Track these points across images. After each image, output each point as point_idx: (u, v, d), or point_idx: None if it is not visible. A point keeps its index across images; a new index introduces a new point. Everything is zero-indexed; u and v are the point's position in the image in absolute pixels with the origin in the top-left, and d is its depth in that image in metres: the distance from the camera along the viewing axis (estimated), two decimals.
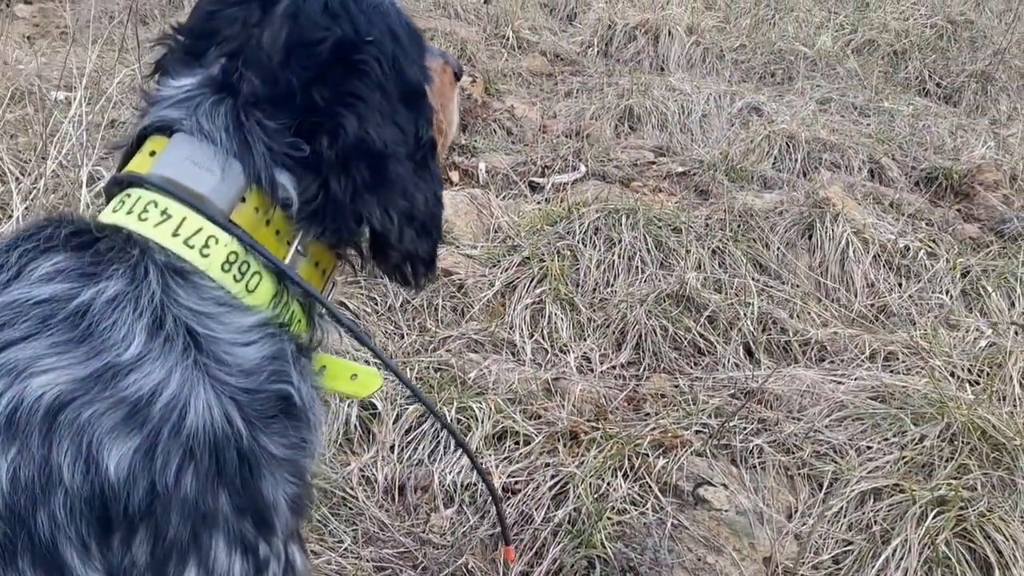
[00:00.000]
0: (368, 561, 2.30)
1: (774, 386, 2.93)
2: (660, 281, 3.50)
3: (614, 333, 3.27)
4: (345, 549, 2.31)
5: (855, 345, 3.27)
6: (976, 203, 4.57)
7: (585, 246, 3.61)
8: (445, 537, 2.39)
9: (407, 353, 3.01)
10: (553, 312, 3.29)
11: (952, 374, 3.07)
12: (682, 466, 2.54)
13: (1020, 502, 2.44)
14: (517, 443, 2.64)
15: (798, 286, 3.64)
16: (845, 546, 2.39)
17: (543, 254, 3.54)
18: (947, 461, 2.56)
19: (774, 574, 2.32)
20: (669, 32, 6.56)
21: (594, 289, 3.49)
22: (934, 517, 2.35)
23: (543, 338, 3.22)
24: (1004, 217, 4.37)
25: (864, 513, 2.45)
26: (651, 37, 6.57)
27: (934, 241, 3.97)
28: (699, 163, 4.68)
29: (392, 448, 2.61)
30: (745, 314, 3.32)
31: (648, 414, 2.85)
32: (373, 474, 2.54)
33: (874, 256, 3.79)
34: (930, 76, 6.61)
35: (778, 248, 3.79)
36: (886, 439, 2.68)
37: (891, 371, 3.10)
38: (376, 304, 3.23)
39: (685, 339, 3.26)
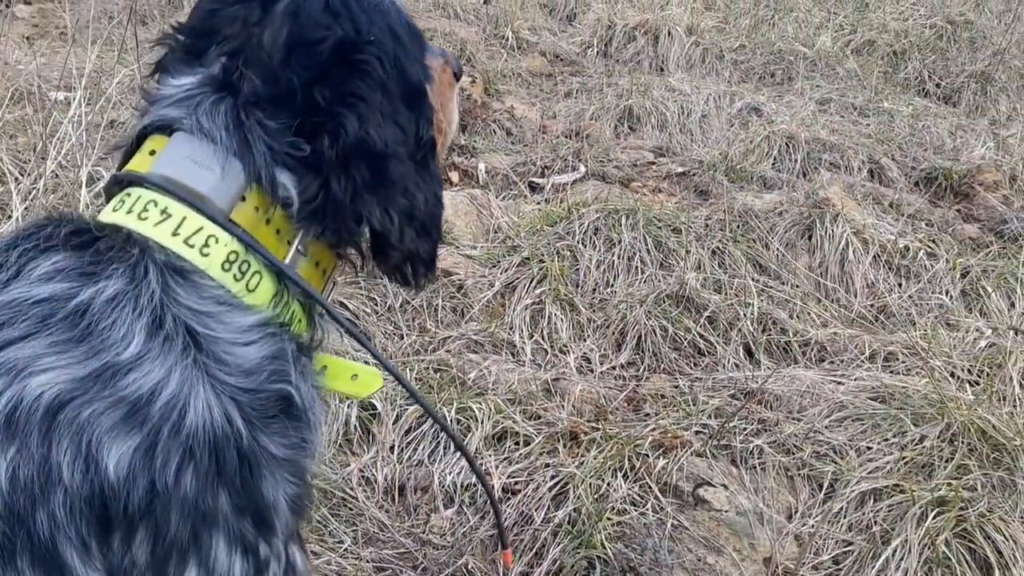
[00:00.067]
0: (368, 562, 2.29)
1: (774, 386, 2.93)
2: (660, 281, 3.50)
3: (614, 333, 3.27)
4: (345, 550, 2.31)
5: (855, 345, 3.26)
6: (976, 203, 4.57)
7: (585, 246, 3.61)
8: (445, 538, 2.39)
9: (407, 354, 3.01)
10: (553, 312, 3.29)
11: (952, 374, 3.06)
12: (682, 467, 2.54)
13: (1020, 502, 2.43)
14: (517, 444, 2.64)
15: (798, 286, 3.64)
16: (845, 546, 2.39)
17: (543, 254, 3.54)
18: (947, 461, 2.56)
19: (774, 574, 2.31)
20: (669, 32, 6.56)
21: (594, 289, 3.49)
22: (934, 517, 2.35)
23: (543, 338, 3.21)
24: (1004, 217, 4.37)
25: (864, 513, 2.45)
26: (651, 37, 6.57)
27: (934, 241, 3.97)
28: (699, 163, 4.68)
29: (392, 449, 2.61)
30: (745, 314, 3.32)
31: (648, 415, 2.85)
32: (373, 475, 2.54)
33: (874, 256, 3.79)
34: (930, 76, 6.61)
35: (778, 248, 3.79)
36: (886, 439, 2.68)
37: (891, 371, 3.10)
38: (376, 304, 3.23)
39: (685, 339, 3.26)
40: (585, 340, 3.24)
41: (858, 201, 4.22)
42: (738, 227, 3.88)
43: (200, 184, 1.07)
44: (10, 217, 2.95)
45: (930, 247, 3.91)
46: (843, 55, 6.75)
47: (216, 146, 1.09)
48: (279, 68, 1.12)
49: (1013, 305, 3.62)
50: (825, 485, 2.55)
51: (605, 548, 2.28)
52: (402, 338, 3.12)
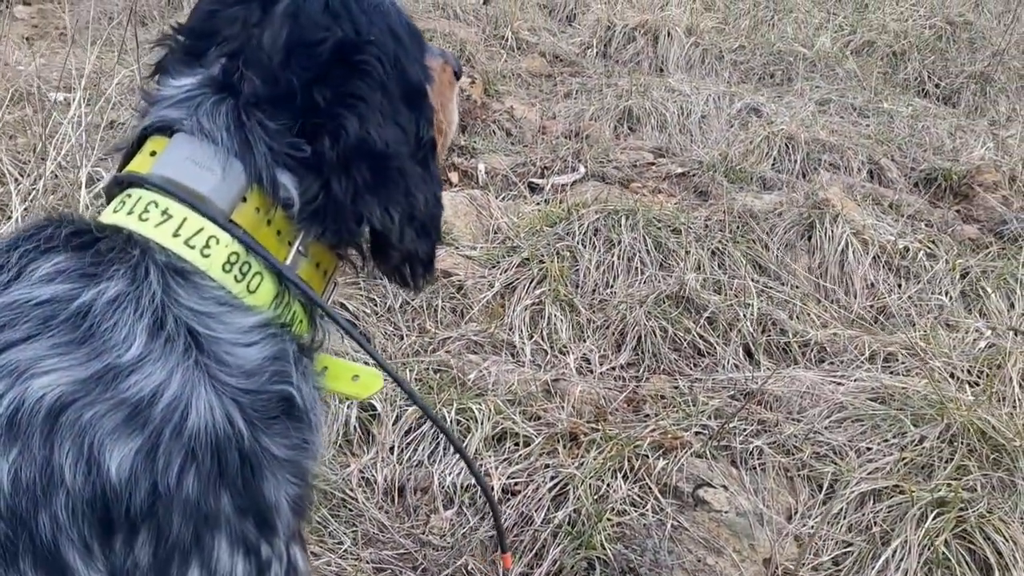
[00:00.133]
0: (368, 563, 2.29)
1: (774, 387, 2.93)
2: (659, 282, 3.50)
3: (614, 334, 3.27)
4: (345, 550, 2.31)
5: (855, 346, 3.27)
6: (975, 204, 4.57)
7: (584, 247, 3.61)
8: (445, 538, 2.39)
9: (407, 354, 3.01)
10: (552, 313, 3.29)
11: (952, 375, 3.07)
12: (682, 467, 2.54)
13: (1020, 503, 2.44)
14: (517, 444, 2.64)
15: (797, 287, 3.64)
16: (845, 547, 2.39)
17: (542, 255, 3.54)
18: (947, 462, 2.56)
19: (774, 575, 2.31)
20: (668, 33, 6.56)
21: (594, 290, 3.49)
22: (934, 518, 2.35)
23: (543, 339, 3.21)
24: (1003, 218, 4.38)
25: (864, 514, 2.45)
26: (650, 38, 6.57)
27: (933, 242, 3.97)
28: (698, 164, 4.68)
29: (392, 449, 2.61)
30: (745, 315, 3.32)
31: (648, 415, 2.85)
32: (373, 475, 2.54)
33: (873, 257, 3.79)
34: (929, 77, 6.62)
35: (777, 249, 3.79)
36: (886, 440, 2.68)
37: (891, 372, 3.10)
38: (376, 305, 3.23)
39: (685, 340, 3.26)
40: (585, 341, 3.24)
41: (858, 202, 4.22)
42: (738, 228, 3.88)
43: (201, 185, 1.07)
44: (10, 218, 2.95)
45: (930, 248, 3.92)
46: (843, 56, 6.75)
47: (217, 147, 1.09)
48: (279, 69, 1.12)
49: (1013, 306, 3.62)
50: (825, 486, 2.55)
51: (605, 549, 2.28)
52: (402, 339, 3.12)
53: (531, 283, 3.42)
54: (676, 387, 3.02)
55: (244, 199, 1.09)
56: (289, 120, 1.11)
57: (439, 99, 1.38)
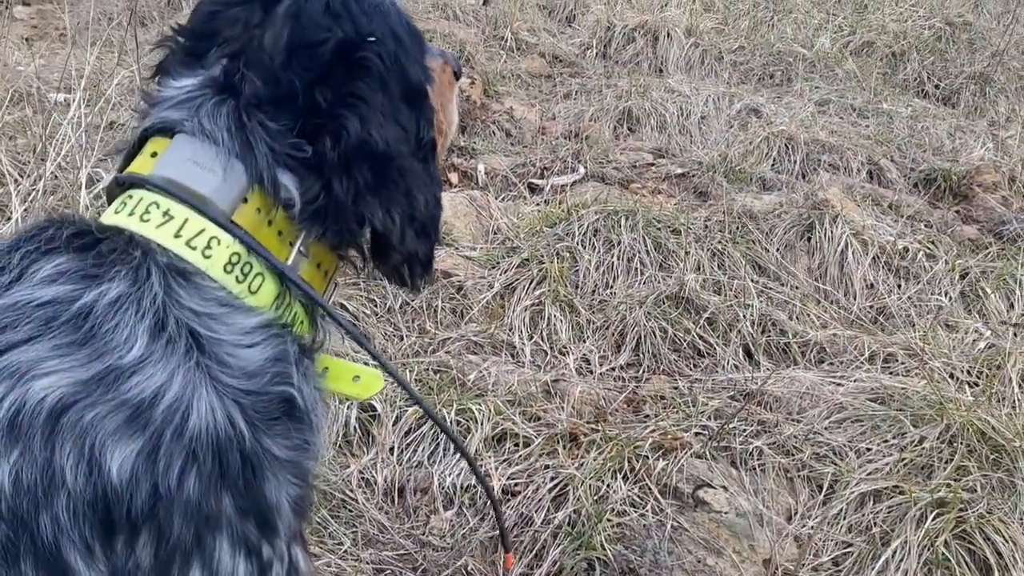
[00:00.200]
0: (368, 563, 2.29)
1: (773, 388, 2.93)
2: (659, 283, 3.50)
3: (613, 335, 3.27)
4: (345, 551, 2.31)
5: (854, 347, 3.27)
6: (975, 205, 4.57)
7: (584, 248, 3.61)
8: (445, 539, 2.39)
9: (406, 355, 3.01)
10: (552, 314, 3.29)
11: (951, 375, 3.07)
12: (682, 468, 2.54)
13: (1019, 503, 2.44)
14: (517, 445, 2.64)
15: (797, 288, 3.64)
16: (845, 548, 2.39)
17: (542, 256, 3.54)
18: (946, 463, 2.56)
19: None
20: (668, 34, 6.56)
21: (593, 291, 3.49)
22: (934, 519, 2.35)
23: (542, 340, 3.21)
24: (1003, 219, 4.38)
25: (864, 515, 2.45)
26: (650, 39, 6.57)
27: (933, 243, 3.97)
28: (698, 165, 4.68)
29: (392, 450, 2.61)
30: (744, 316, 3.32)
31: (648, 416, 2.85)
32: (373, 476, 2.54)
33: (873, 258, 3.79)
34: (928, 78, 6.62)
35: (777, 250, 3.79)
36: (885, 441, 2.68)
37: (890, 373, 3.10)
38: (375, 306, 3.23)
39: (684, 341, 3.26)
40: (585, 341, 3.24)
41: (857, 202, 4.23)
42: (737, 228, 3.88)
43: (202, 186, 1.07)
44: (9, 219, 2.95)
45: (929, 248, 3.92)
46: (842, 56, 6.75)
47: (218, 148, 1.09)
48: (280, 70, 1.12)
49: (1012, 306, 3.62)
50: (825, 486, 2.55)
51: (605, 549, 2.28)
52: (402, 339, 3.12)
53: (531, 284, 3.42)
54: (676, 388, 3.02)
55: (245, 200, 1.09)
56: (290, 121, 1.11)
57: (439, 100, 1.38)
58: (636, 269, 3.58)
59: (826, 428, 2.75)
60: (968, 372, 3.09)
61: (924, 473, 2.56)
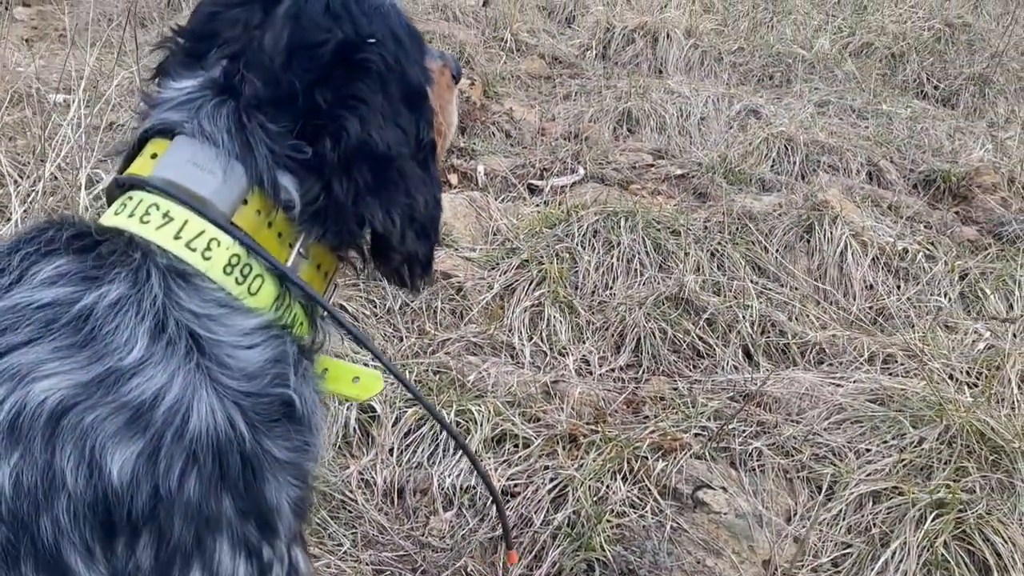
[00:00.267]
0: (367, 564, 2.29)
1: (773, 389, 2.93)
2: (659, 284, 3.50)
3: (613, 336, 3.27)
4: (344, 552, 2.31)
5: (854, 348, 3.27)
6: (974, 206, 4.57)
7: (584, 249, 3.61)
8: (444, 540, 2.39)
9: (406, 356, 3.01)
10: (552, 315, 3.29)
11: (951, 376, 3.07)
12: (681, 469, 2.54)
13: (1019, 504, 2.44)
14: (516, 446, 2.64)
15: (797, 289, 3.64)
16: (844, 549, 2.39)
17: (542, 257, 3.54)
18: (946, 464, 2.56)
19: None
20: (667, 35, 6.56)
21: (593, 292, 3.49)
22: (933, 520, 2.35)
23: (542, 341, 3.21)
24: (1002, 219, 4.38)
25: (863, 516, 2.45)
26: (649, 40, 6.57)
27: (932, 243, 3.97)
28: (697, 166, 4.68)
29: (391, 451, 2.61)
30: (744, 317, 3.32)
31: (647, 417, 2.85)
32: (372, 477, 2.54)
33: (872, 258, 3.79)
34: (928, 79, 6.62)
35: (777, 251, 3.79)
36: (885, 442, 2.69)
37: (890, 373, 3.10)
38: (375, 307, 3.23)
39: (684, 342, 3.26)
40: (584, 342, 3.24)
41: (857, 203, 4.23)
42: (737, 229, 3.89)
43: (202, 187, 1.07)
44: (9, 220, 2.95)
45: (929, 249, 3.92)
46: (841, 57, 6.75)
47: (218, 149, 1.09)
48: (280, 71, 1.12)
49: (1012, 307, 3.63)
50: (824, 487, 2.55)
51: (604, 550, 2.28)
52: (401, 340, 3.12)
53: (530, 285, 3.42)
54: (675, 389, 3.02)
55: (245, 201, 1.09)
56: (290, 122, 1.11)
57: (438, 101, 1.38)
58: (636, 270, 3.58)
59: (825, 429, 2.75)
60: (967, 373, 3.09)
61: (923, 474, 2.56)
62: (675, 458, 2.56)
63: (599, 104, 5.48)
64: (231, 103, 1.11)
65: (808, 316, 3.47)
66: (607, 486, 2.46)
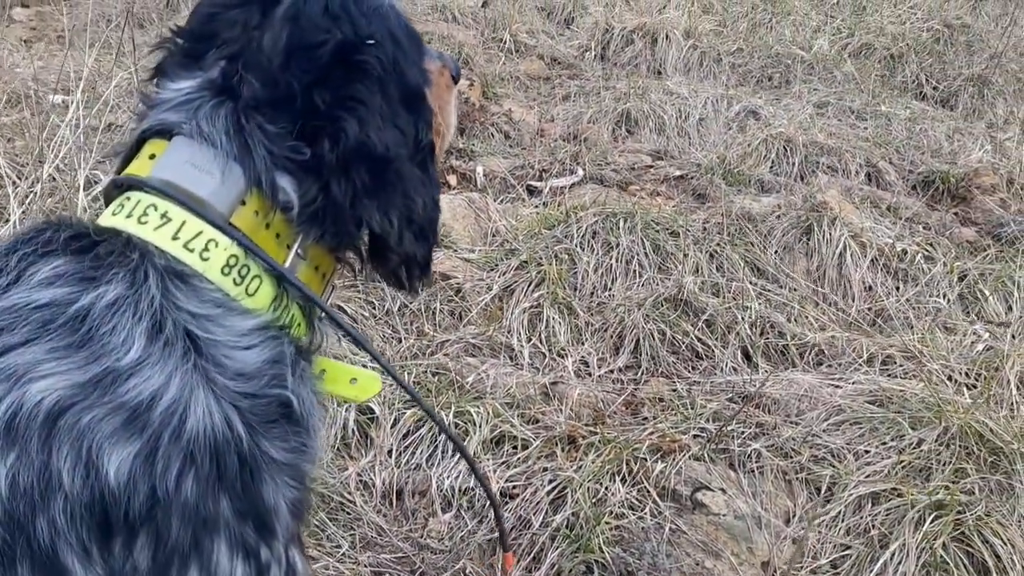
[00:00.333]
0: (366, 566, 2.29)
1: (772, 390, 2.93)
2: (658, 285, 3.50)
3: (612, 337, 3.27)
4: (343, 554, 2.31)
5: (853, 349, 3.27)
6: (973, 207, 4.58)
7: (583, 250, 3.61)
8: (443, 542, 2.38)
9: (404, 357, 3.01)
10: (551, 316, 3.29)
11: (949, 378, 3.07)
12: (680, 470, 2.54)
13: (1018, 506, 2.44)
14: (515, 447, 2.64)
15: (796, 290, 3.64)
16: (843, 550, 2.39)
17: (541, 258, 3.54)
18: (945, 465, 2.56)
19: None
20: (666, 36, 6.56)
21: (592, 293, 3.49)
22: (932, 521, 2.35)
23: (541, 342, 3.21)
24: (1001, 221, 4.38)
25: (862, 517, 2.45)
26: (648, 41, 6.57)
27: (931, 245, 3.97)
28: (696, 167, 4.68)
29: (390, 453, 2.61)
30: (743, 318, 3.32)
31: (646, 418, 2.85)
32: (371, 479, 2.54)
33: (871, 260, 3.79)
34: (927, 80, 6.63)
35: (776, 252, 3.79)
36: (884, 443, 2.68)
37: (889, 375, 3.10)
38: (374, 308, 3.23)
39: (683, 343, 3.26)
40: (583, 344, 3.24)
41: (856, 204, 4.23)
42: (736, 230, 3.88)
43: (200, 188, 1.07)
44: (7, 221, 2.94)
45: (927, 250, 3.92)
46: (840, 58, 6.76)
47: (216, 150, 1.09)
48: (279, 72, 1.12)
49: (1011, 308, 3.63)
50: (823, 489, 2.55)
51: (603, 552, 2.28)
52: (400, 342, 3.12)
53: (529, 286, 3.42)
54: (674, 390, 3.02)
55: (243, 202, 1.09)
56: (288, 123, 1.11)
57: (437, 102, 1.38)
58: (634, 271, 3.58)
59: (824, 430, 2.75)
60: (966, 374, 3.09)
61: (922, 475, 2.56)
62: (674, 459, 2.56)
63: (598, 105, 5.48)
64: (229, 104, 1.11)
65: (807, 317, 3.47)
66: (606, 488, 2.46)
